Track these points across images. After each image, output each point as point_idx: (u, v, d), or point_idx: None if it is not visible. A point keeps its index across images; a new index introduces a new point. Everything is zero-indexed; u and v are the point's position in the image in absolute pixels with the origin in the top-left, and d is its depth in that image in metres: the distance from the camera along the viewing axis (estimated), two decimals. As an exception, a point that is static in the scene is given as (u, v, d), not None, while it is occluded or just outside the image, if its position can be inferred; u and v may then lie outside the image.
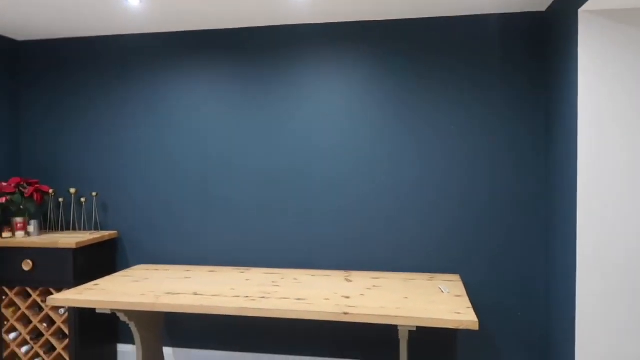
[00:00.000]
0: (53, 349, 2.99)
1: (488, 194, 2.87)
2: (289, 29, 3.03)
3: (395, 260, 2.96)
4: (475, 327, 2.00)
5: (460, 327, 2.01)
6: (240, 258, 3.13)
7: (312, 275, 2.81)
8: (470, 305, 2.21)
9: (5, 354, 2.98)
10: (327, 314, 2.13)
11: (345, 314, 2.12)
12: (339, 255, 3.02)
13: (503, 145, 2.85)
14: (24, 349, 2.97)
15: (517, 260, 2.85)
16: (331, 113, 3.01)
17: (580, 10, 2.18)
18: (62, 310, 2.93)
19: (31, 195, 3.04)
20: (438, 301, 2.28)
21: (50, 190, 3.18)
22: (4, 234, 2.98)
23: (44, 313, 2.95)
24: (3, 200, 2.95)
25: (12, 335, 2.97)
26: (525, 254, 2.84)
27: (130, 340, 3.28)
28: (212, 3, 2.65)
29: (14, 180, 3.03)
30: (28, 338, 2.97)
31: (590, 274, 2.24)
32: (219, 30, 3.11)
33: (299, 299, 2.31)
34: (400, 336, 2.37)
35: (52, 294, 2.91)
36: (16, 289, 2.96)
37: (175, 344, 3.24)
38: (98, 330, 3.09)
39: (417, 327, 2.75)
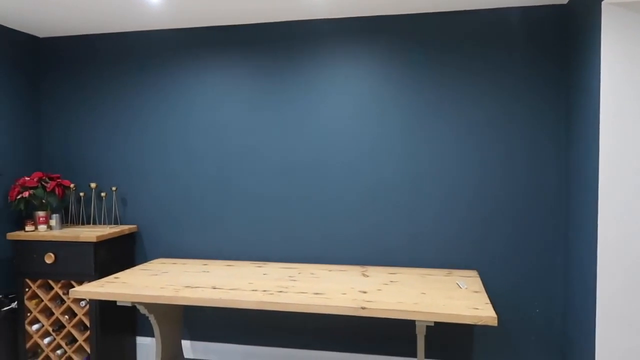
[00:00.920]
0: (74, 340, 3.05)
1: (507, 189, 2.84)
2: (306, 24, 3.03)
3: (413, 255, 2.95)
4: (494, 322, 1.99)
5: (479, 323, 2.00)
6: (258, 252, 3.16)
7: (329, 270, 2.82)
8: (488, 301, 2.20)
9: (28, 345, 3.05)
10: (345, 308, 2.14)
11: (363, 308, 2.12)
12: (356, 250, 3.02)
13: (522, 140, 2.81)
14: (46, 340, 3.04)
15: (535, 256, 2.82)
16: (348, 108, 3.00)
17: (603, 3, 2.14)
18: (83, 303, 2.98)
19: (53, 190, 3.10)
20: (456, 297, 2.27)
21: (72, 185, 3.24)
22: (27, 228, 3.05)
23: (65, 305, 3.01)
24: (26, 194, 3.01)
25: (35, 327, 3.04)
26: (544, 250, 2.81)
27: (149, 333, 3.33)
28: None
29: (37, 175, 3.09)
30: (50, 329, 3.04)
31: (611, 270, 2.21)
32: (237, 26, 3.12)
33: (316, 294, 2.32)
34: (417, 331, 2.37)
35: (73, 286, 2.96)
36: (39, 282, 3.03)
37: (194, 337, 3.28)
38: (118, 322, 3.15)
39: (435, 323, 2.75)
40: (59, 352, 3.04)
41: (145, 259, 3.31)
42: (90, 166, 3.37)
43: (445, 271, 2.80)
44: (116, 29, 3.22)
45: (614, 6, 2.15)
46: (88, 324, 2.97)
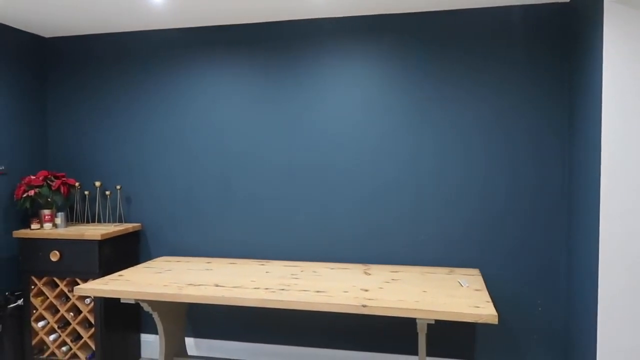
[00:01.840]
0: (79, 337, 3.08)
1: (508, 187, 2.84)
2: (308, 23, 3.04)
3: (414, 253, 2.96)
4: (495, 321, 1.99)
5: (480, 321, 2.01)
6: (260, 250, 3.17)
7: (331, 268, 2.83)
8: (489, 299, 2.20)
9: (34, 342, 3.09)
10: (347, 306, 2.15)
11: (364, 306, 2.13)
12: (358, 248, 3.03)
13: (524, 139, 2.81)
14: (51, 337, 3.07)
15: (537, 254, 2.82)
16: (351, 107, 3.01)
17: (606, 0, 2.14)
18: (88, 300, 3.01)
19: (58, 188, 3.13)
20: (457, 295, 2.28)
21: (77, 184, 3.27)
22: (33, 226, 3.08)
23: (70, 302, 3.04)
24: (32, 193, 3.04)
25: (41, 324, 3.07)
26: (546, 248, 2.81)
27: (153, 330, 3.36)
28: (233, -2, 2.67)
29: (42, 174, 3.12)
30: (56, 326, 3.07)
31: (613, 268, 2.20)
32: (239, 25, 3.14)
33: (318, 292, 2.33)
34: (418, 329, 2.38)
35: (78, 284, 3.00)
36: (44, 279, 3.06)
37: (197, 334, 3.30)
38: (122, 319, 3.18)
39: (436, 321, 2.75)
40: (64, 348, 3.07)
41: (149, 257, 3.34)
42: (95, 165, 3.40)
43: (447, 269, 2.81)
44: (121, 28, 3.25)
45: (616, 3, 2.14)
46: (93, 321, 3.00)
